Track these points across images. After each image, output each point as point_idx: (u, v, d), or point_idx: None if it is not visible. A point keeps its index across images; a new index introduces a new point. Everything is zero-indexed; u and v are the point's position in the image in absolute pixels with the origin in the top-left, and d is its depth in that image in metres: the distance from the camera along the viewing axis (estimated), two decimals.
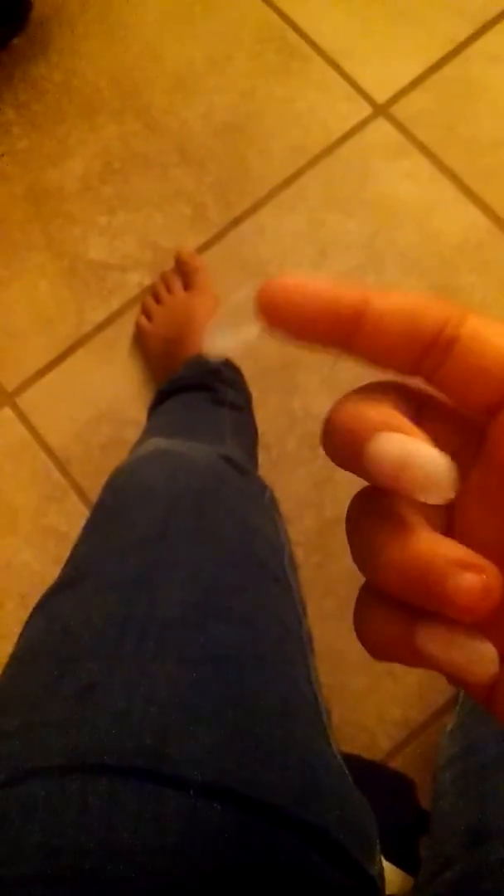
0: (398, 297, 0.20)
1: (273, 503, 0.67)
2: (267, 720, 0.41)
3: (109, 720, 0.39)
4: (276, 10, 1.21)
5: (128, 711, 0.39)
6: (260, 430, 1.01)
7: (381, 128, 1.17)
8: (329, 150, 1.17)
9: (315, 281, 0.20)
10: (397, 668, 1.01)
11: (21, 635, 0.51)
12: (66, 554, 0.60)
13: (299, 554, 1.04)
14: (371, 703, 1.01)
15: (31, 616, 0.52)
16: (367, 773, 0.77)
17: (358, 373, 1.04)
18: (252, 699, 0.42)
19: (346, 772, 0.44)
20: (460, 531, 0.20)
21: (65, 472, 1.13)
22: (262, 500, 0.66)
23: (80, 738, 0.38)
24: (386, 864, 0.48)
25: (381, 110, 1.17)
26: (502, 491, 0.19)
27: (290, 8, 1.21)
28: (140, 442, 0.80)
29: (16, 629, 0.55)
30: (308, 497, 1.07)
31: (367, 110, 1.18)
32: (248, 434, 0.94)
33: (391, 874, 0.52)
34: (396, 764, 0.99)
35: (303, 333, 0.20)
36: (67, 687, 0.41)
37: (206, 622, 0.46)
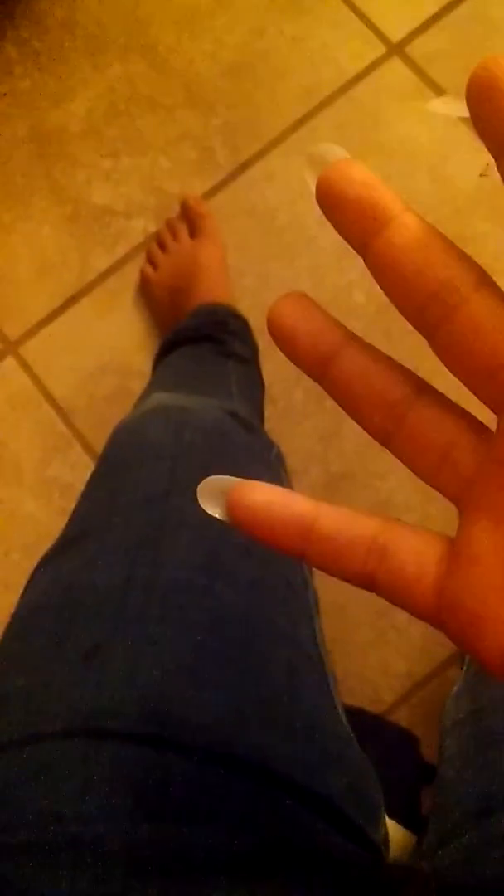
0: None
1: (279, 460, 0.66)
2: (273, 684, 0.41)
3: (113, 684, 0.38)
4: None
5: (131, 675, 0.39)
6: (267, 383, 0.99)
7: (396, 68, 1.13)
8: (341, 90, 1.13)
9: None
10: (401, 621, 1.01)
11: (23, 594, 0.50)
12: (71, 505, 0.59)
13: None
14: (374, 657, 1.02)
15: (34, 574, 0.52)
16: (371, 729, 0.77)
17: (364, 328, 1.01)
18: (257, 663, 0.42)
19: (352, 736, 0.43)
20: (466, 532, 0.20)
21: (69, 422, 1.12)
22: (269, 457, 0.64)
23: (82, 702, 0.38)
24: (389, 821, 0.48)
25: (395, 50, 1.13)
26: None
27: None
28: (145, 395, 0.79)
29: (21, 580, 0.54)
30: (314, 451, 1.06)
31: (381, 49, 1.13)
32: (254, 387, 0.92)
33: (395, 832, 0.53)
34: (400, 716, 0.99)
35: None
36: (70, 649, 0.41)
37: (211, 585, 0.45)
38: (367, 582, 0.21)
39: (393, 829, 0.50)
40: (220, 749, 0.36)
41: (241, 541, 0.50)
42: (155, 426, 0.61)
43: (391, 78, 1.13)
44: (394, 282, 0.20)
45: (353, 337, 0.22)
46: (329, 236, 1.09)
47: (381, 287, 0.20)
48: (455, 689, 0.53)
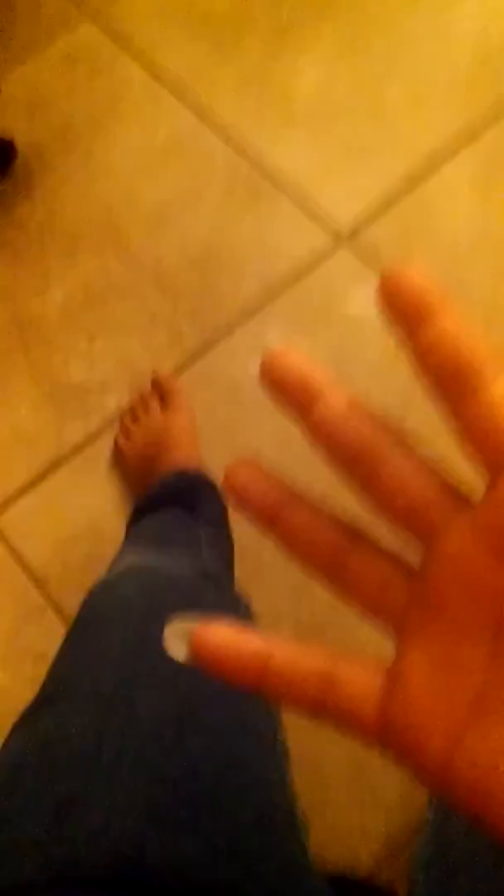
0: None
1: (249, 614, 0.69)
2: (244, 828, 0.42)
3: (87, 835, 0.39)
4: (243, 152, 1.31)
5: (106, 826, 0.40)
6: (237, 540, 1.03)
7: (344, 258, 1.25)
8: (295, 278, 1.25)
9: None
10: (378, 781, 1.00)
11: (0, 754, 0.51)
12: (43, 674, 0.61)
13: None
14: (353, 818, 1.00)
15: (11, 734, 0.53)
16: (352, 889, 0.75)
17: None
18: (228, 808, 0.43)
19: (323, 884, 0.44)
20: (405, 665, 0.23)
21: (43, 590, 1.14)
22: (238, 612, 0.67)
23: (59, 854, 0.39)
24: None
25: (343, 241, 1.26)
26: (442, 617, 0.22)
27: (255, 151, 1.31)
28: (118, 558, 0.82)
29: None
30: (285, 605, 1.09)
31: (330, 241, 1.26)
32: (224, 546, 0.96)
33: None
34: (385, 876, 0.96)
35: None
36: (45, 803, 0.42)
37: (182, 735, 0.47)
38: (318, 710, 0.24)
39: None
40: (195, 890, 0.37)
41: (212, 691, 0.53)
42: (127, 585, 0.64)
43: (340, 266, 1.25)
44: (325, 446, 0.23)
45: (297, 495, 0.25)
46: None
47: (316, 449, 0.24)
48: (423, 834, 0.54)
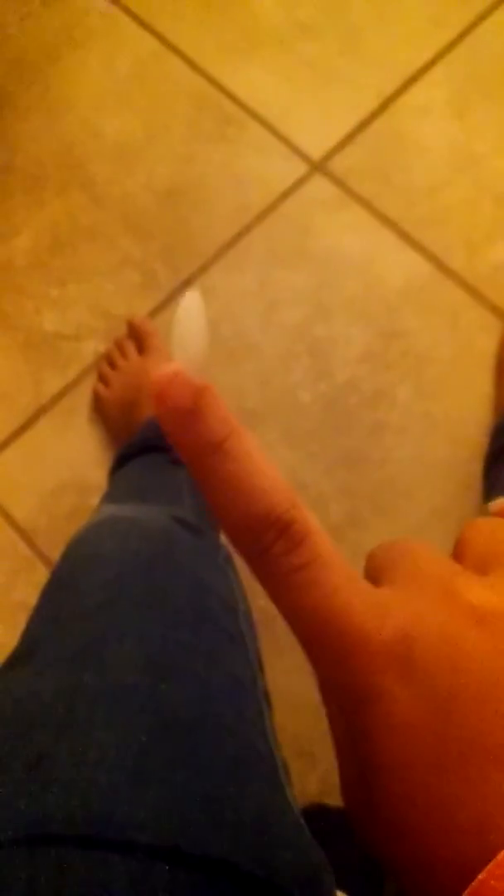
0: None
1: (228, 561, 0.67)
2: (218, 778, 0.41)
3: (57, 791, 0.39)
4: (209, 78, 1.25)
5: (76, 780, 0.39)
6: None
7: (319, 183, 1.21)
8: (270, 208, 1.20)
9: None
10: None
11: None
12: None
13: (269, 607, 1.04)
14: None
15: None
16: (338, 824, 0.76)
17: (313, 426, 1.04)
18: (203, 759, 0.42)
19: (303, 823, 0.43)
20: None
21: (31, 543, 1.12)
22: (217, 559, 0.66)
23: (27, 810, 0.38)
24: None
25: (317, 167, 1.21)
26: None
27: (222, 76, 1.25)
28: (96, 509, 0.80)
29: None
30: None
31: (303, 168, 1.21)
32: None
33: None
34: None
35: None
36: (15, 761, 0.41)
37: (155, 686, 0.46)
38: None
39: None
40: (162, 845, 0.36)
41: (186, 640, 0.51)
42: (101, 538, 0.63)
43: (315, 192, 1.20)
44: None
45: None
46: (271, 342, 1.14)
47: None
48: None
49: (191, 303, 0.24)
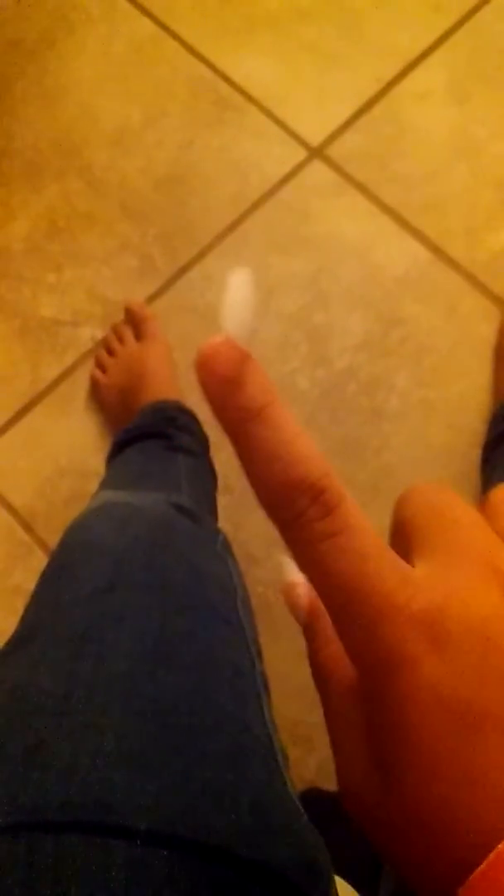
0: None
1: (226, 547, 0.67)
2: (216, 765, 0.41)
3: (55, 777, 0.39)
4: (207, 63, 1.24)
5: (74, 766, 0.39)
6: (220, 473, 1.01)
7: (318, 169, 1.20)
8: (268, 194, 1.20)
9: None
10: None
11: None
12: None
13: (267, 594, 1.05)
14: None
15: None
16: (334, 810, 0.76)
17: (311, 413, 1.04)
18: (201, 745, 0.42)
19: (301, 809, 0.44)
20: None
21: (29, 529, 1.12)
22: (215, 546, 0.66)
23: (26, 796, 0.38)
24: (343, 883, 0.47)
25: (315, 153, 1.20)
26: None
27: (220, 60, 1.24)
28: (95, 495, 0.80)
29: None
30: (274, 535, 1.08)
31: (302, 153, 1.21)
32: (204, 479, 0.94)
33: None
34: None
35: None
36: (13, 747, 0.41)
37: (154, 672, 0.46)
38: None
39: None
40: (161, 830, 0.36)
41: (185, 626, 0.51)
42: (99, 524, 0.63)
43: (314, 178, 1.20)
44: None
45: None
46: (269, 328, 1.14)
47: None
48: None
49: (242, 276, 0.23)
